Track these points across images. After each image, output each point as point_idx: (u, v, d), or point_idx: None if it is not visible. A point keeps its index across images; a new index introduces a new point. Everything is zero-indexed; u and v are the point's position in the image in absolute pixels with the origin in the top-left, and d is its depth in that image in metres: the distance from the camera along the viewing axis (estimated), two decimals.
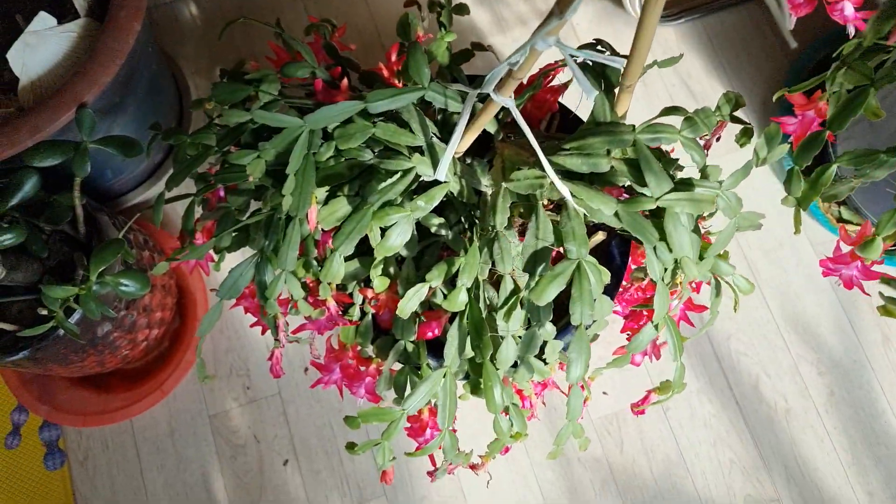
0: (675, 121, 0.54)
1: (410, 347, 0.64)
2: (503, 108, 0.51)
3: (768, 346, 0.97)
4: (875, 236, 0.49)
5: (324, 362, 0.72)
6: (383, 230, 0.56)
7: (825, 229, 1.01)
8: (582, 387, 0.59)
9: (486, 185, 0.65)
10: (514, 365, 0.60)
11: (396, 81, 0.68)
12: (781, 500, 0.92)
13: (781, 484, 0.92)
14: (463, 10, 0.69)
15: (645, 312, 0.68)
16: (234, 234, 0.63)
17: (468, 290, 0.56)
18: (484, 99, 0.52)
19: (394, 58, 0.66)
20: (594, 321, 0.61)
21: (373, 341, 0.68)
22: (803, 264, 1.00)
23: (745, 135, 0.60)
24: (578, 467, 0.92)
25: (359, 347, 0.68)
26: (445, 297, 0.56)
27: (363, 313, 0.67)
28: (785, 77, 1.06)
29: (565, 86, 0.68)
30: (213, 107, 0.58)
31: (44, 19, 0.64)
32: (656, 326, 0.59)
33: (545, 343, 0.61)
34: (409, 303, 0.57)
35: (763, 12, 1.08)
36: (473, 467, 0.71)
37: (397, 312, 0.57)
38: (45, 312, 0.65)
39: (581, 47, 0.51)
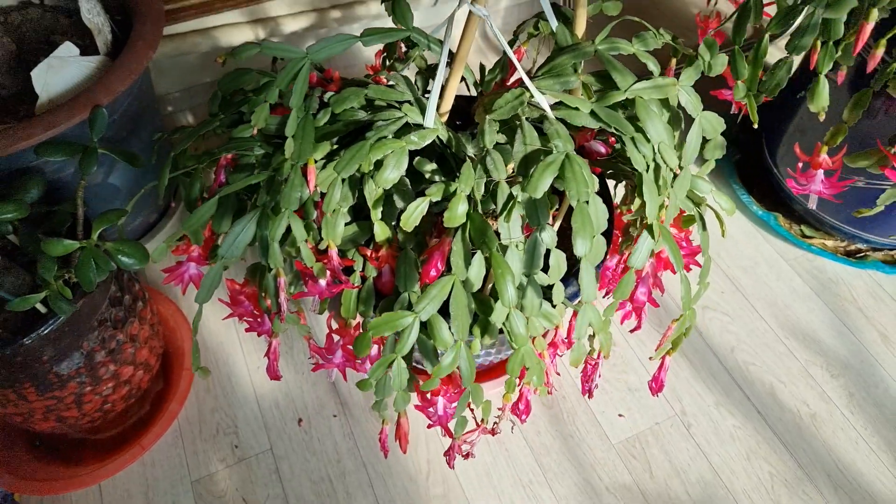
0: None
1: (415, 298, 0.63)
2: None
3: (773, 354, 0.96)
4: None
5: (324, 347, 0.70)
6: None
7: (793, 245, 1.06)
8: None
9: (472, 152, 0.70)
10: (522, 292, 0.60)
11: None
12: None
13: (829, 493, 0.84)
14: None
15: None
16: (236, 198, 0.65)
17: (468, 198, 0.58)
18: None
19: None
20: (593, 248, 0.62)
21: (374, 307, 0.66)
22: (783, 278, 1.03)
23: (690, 63, 0.68)
24: (609, 499, 0.83)
25: (360, 319, 0.67)
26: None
27: (363, 279, 0.67)
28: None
29: None
30: (224, 59, 0.64)
31: (68, 48, 0.72)
32: (650, 229, 0.60)
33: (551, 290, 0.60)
34: (412, 217, 0.58)
35: None
36: (493, 432, 0.65)
37: (402, 225, 0.58)
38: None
39: None
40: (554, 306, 0.64)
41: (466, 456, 0.67)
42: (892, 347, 0.97)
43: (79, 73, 0.72)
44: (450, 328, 0.58)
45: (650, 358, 0.71)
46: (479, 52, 1.34)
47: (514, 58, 0.58)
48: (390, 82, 0.68)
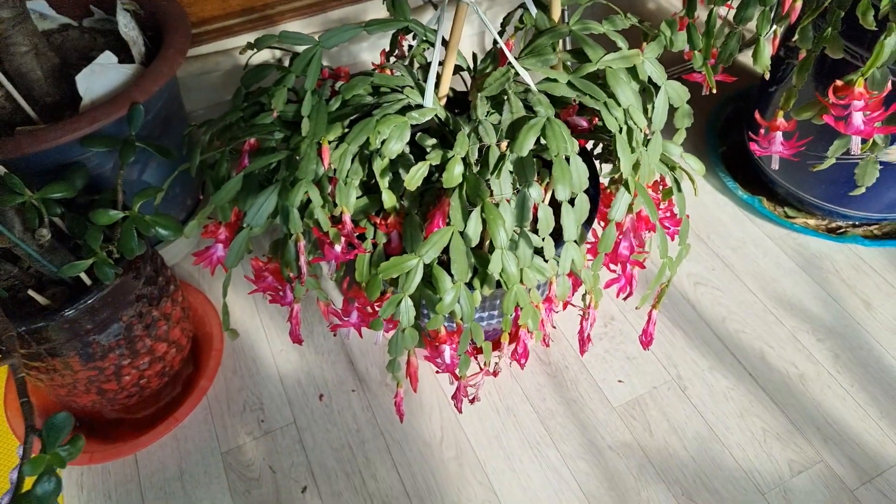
0: None
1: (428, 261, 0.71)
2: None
3: (762, 323, 1.01)
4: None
5: (341, 310, 0.77)
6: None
7: (778, 225, 1.13)
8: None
9: (467, 130, 0.78)
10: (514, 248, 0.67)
11: None
12: (825, 460, 0.88)
13: (820, 444, 0.89)
14: None
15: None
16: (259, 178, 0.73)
17: (463, 161, 0.66)
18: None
19: None
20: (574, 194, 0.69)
21: None
22: (770, 255, 1.10)
23: (654, 39, 0.76)
24: (611, 455, 0.88)
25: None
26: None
27: (374, 246, 0.74)
28: (705, 124, 1.27)
29: None
30: (245, 50, 0.73)
31: (108, 56, 0.82)
32: (626, 184, 0.68)
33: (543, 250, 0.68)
34: (415, 177, 0.66)
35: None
36: (495, 373, 0.71)
37: (406, 185, 0.66)
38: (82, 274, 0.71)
39: None
40: (546, 261, 0.71)
41: (473, 400, 0.73)
42: (874, 313, 1.02)
43: (117, 77, 0.82)
44: (451, 275, 0.65)
45: (637, 307, 0.77)
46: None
47: (497, 37, 0.67)
48: (394, 72, 0.76)
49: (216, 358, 0.95)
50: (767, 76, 0.67)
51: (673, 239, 0.81)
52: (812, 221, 1.13)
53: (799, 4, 0.61)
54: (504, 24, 0.80)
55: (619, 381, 0.95)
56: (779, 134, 0.74)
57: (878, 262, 1.08)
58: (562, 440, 0.90)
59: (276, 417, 0.93)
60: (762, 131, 0.76)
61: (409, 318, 0.64)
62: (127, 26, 0.86)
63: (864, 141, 0.64)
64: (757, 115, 0.75)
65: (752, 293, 1.05)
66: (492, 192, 0.66)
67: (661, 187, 0.82)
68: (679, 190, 0.76)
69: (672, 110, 0.73)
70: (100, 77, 0.81)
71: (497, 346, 0.96)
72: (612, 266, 0.78)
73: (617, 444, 0.89)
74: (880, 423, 0.91)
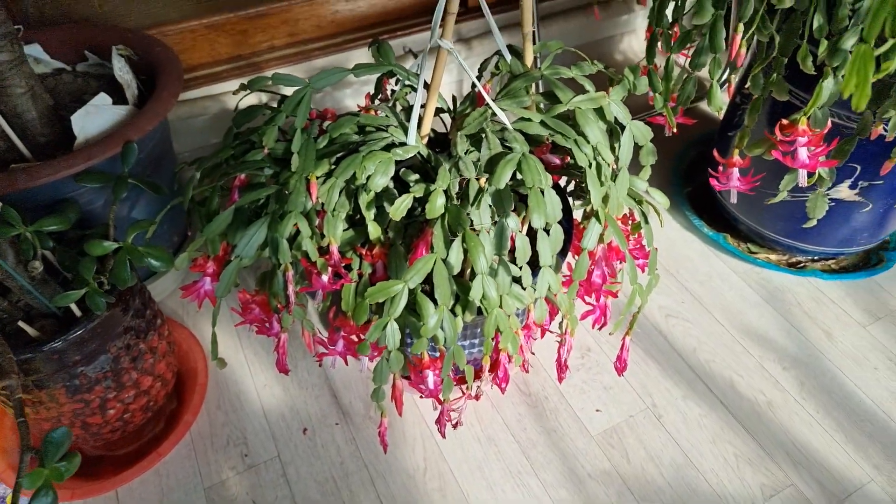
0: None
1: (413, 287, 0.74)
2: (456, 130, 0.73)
3: (730, 353, 1.06)
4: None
5: (327, 339, 0.79)
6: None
7: (742, 260, 1.19)
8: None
9: (448, 165, 0.83)
10: (493, 276, 0.71)
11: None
12: (795, 483, 0.91)
13: (790, 469, 0.92)
14: None
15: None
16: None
17: (444, 192, 0.70)
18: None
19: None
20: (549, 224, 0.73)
21: None
22: (735, 288, 1.15)
23: (619, 84, 0.82)
24: (591, 483, 0.90)
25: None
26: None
27: (360, 276, 0.77)
28: (671, 167, 1.34)
29: None
30: (238, 91, 0.77)
31: (103, 97, 0.86)
32: (596, 215, 0.72)
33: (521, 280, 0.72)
34: (399, 209, 0.70)
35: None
36: (477, 397, 0.74)
37: (391, 215, 0.69)
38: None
39: None
40: (524, 289, 0.75)
41: (456, 425, 0.75)
42: (835, 343, 1.07)
43: (111, 118, 0.85)
44: (434, 301, 0.68)
45: (610, 333, 0.81)
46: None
47: (475, 80, 0.72)
48: (379, 112, 0.81)
49: (200, 393, 0.96)
50: (722, 115, 0.74)
51: (644, 270, 0.86)
52: (774, 256, 1.19)
53: (743, 51, 0.68)
54: (481, 70, 0.86)
55: (597, 411, 0.98)
56: (735, 170, 0.80)
57: (836, 295, 1.14)
58: (543, 469, 0.92)
59: (259, 452, 0.93)
60: (721, 168, 0.82)
61: (394, 341, 0.66)
62: (122, 70, 0.90)
63: (810, 174, 0.70)
64: (715, 153, 0.81)
65: (720, 324, 1.10)
66: (472, 222, 0.70)
67: (630, 221, 0.87)
68: (647, 222, 0.81)
69: (637, 148, 0.79)
70: (94, 117, 0.84)
71: (479, 375, 0.98)
72: (587, 299, 0.82)
73: (596, 472, 0.92)
74: (846, 447, 0.95)
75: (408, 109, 0.91)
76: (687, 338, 1.08)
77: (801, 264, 1.18)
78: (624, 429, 0.96)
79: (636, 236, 0.88)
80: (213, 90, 1.22)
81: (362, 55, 1.34)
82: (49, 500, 0.47)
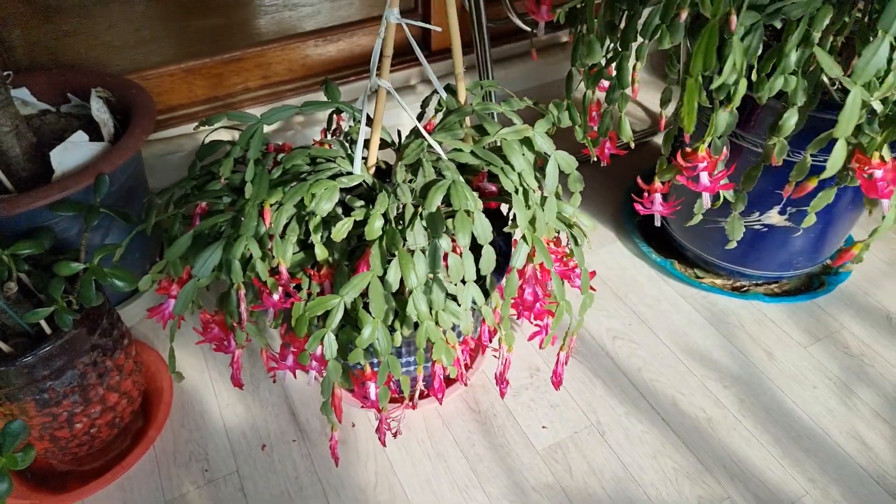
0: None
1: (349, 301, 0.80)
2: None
3: (674, 372, 1.11)
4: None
5: (278, 354, 0.85)
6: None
7: (689, 285, 1.25)
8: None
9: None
10: (428, 289, 0.77)
11: None
12: (732, 496, 0.95)
13: (727, 482, 0.96)
14: None
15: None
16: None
17: (383, 216, 0.77)
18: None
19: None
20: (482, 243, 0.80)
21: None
22: (682, 311, 1.21)
23: (545, 118, 0.90)
24: (535, 496, 0.95)
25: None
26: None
27: (309, 295, 0.84)
28: (622, 197, 1.42)
29: None
30: (198, 127, 0.85)
31: (80, 135, 0.94)
32: (524, 238, 0.79)
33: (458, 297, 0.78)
34: (341, 230, 0.77)
35: (596, 169, 1.49)
36: (413, 406, 0.79)
37: (333, 236, 0.76)
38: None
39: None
40: (460, 306, 0.81)
41: (395, 434, 0.80)
42: (776, 363, 1.13)
43: (87, 153, 0.93)
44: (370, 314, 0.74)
45: (541, 347, 0.87)
46: None
47: (411, 115, 0.80)
48: (332, 146, 0.89)
49: (164, 410, 1.01)
50: (633, 145, 0.81)
51: (583, 292, 0.92)
52: (719, 281, 1.25)
53: (637, 86, 0.76)
54: (423, 106, 0.94)
55: (543, 427, 1.03)
56: (658, 195, 0.87)
57: (778, 317, 1.20)
58: (489, 483, 0.96)
59: (219, 467, 0.98)
60: (645, 194, 0.89)
61: (332, 350, 0.72)
62: (99, 110, 0.98)
63: (715, 198, 0.77)
64: (639, 179, 0.88)
65: (665, 346, 1.15)
66: (406, 241, 0.77)
67: (569, 248, 0.94)
68: (577, 244, 0.88)
69: (566, 176, 0.86)
70: (71, 153, 0.92)
71: (424, 394, 1.04)
72: (535, 321, 0.88)
73: (540, 485, 0.96)
74: (782, 461, 0.99)
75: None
76: (633, 358, 1.13)
77: (745, 288, 1.24)
78: (568, 444, 1.01)
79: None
80: (189, 129, 1.31)
81: (349, 90, 1.43)
82: (4, 487, 0.52)
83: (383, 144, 0.89)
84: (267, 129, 1.39)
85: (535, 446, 1.01)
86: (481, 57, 1.29)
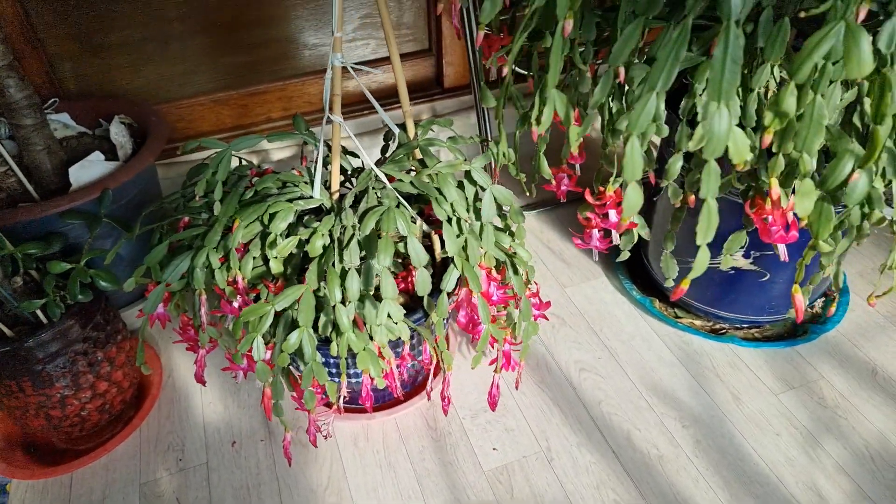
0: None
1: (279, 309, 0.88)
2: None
3: (634, 408, 1.12)
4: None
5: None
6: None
7: (666, 324, 1.26)
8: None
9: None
10: (361, 301, 0.85)
11: None
12: None
13: None
14: None
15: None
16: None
17: (329, 235, 0.85)
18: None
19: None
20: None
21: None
22: (654, 349, 1.22)
23: (483, 154, 0.95)
24: None
25: None
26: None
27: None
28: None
29: None
30: (181, 151, 0.97)
31: (97, 154, 1.08)
32: (453, 261, 0.85)
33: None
34: (285, 247, 0.86)
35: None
36: (339, 410, 0.86)
37: (276, 252, 0.85)
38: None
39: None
40: (396, 323, 0.88)
41: (326, 437, 0.87)
42: (741, 406, 1.12)
43: (101, 171, 1.07)
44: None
45: (472, 367, 0.92)
46: None
47: (361, 151, 0.88)
48: (302, 173, 0.99)
49: (151, 402, 1.12)
50: (554, 183, 0.86)
51: (536, 319, 0.97)
52: (698, 322, 1.25)
53: (538, 129, 0.81)
54: (386, 139, 1.02)
55: (494, 449, 1.07)
56: (595, 231, 0.91)
57: (754, 362, 1.19)
58: (432, 496, 1.01)
59: (192, 458, 1.08)
60: (585, 231, 0.93)
61: (259, 353, 0.81)
62: (117, 134, 1.13)
63: (628, 235, 0.81)
64: (578, 215, 0.92)
65: (630, 381, 1.16)
66: (342, 259, 0.84)
67: (531, 285, 0.99)
68: (516, 273, 0.93)
69: (508, 210, 0.91)
70: (88, 170, 1.06)
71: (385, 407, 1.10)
72: (498, 346, 0.93)
73: (479, 503, 1.00)
74: None
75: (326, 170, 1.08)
76: (595, 391, 1.15)
77: (723, 331, 1.23)
78: (515, 467, 1.04)
79: (535, 288, 1.00)
80: (204, 154, 1.45)
81: (351, 125, 1.55)
82: None
83: (342, 171, 0.98)
84: (280, 155, 1.52)
85: (483, 466, 1.05)
86: (478, 97, 1.37)
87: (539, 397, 1.15)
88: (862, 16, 0.48)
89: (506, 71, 0.72)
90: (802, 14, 0.50)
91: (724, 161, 0.54)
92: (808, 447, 1.06)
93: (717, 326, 1.24)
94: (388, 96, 1.58)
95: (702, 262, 0.55)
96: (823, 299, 1.29)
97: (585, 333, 1.26)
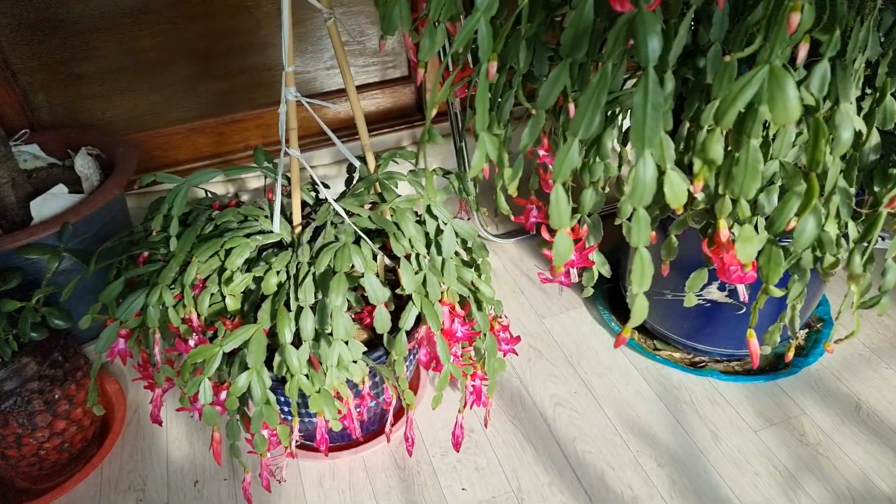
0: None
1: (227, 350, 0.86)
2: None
3: (609, 445, 1.09)
4: None
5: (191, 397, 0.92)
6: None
7: (645, 357, 1.23)
8: None
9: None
10: (317, 340, 0.82)
11: None
12: None
13: None
14: None
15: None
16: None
17: (278, 272, 0.83)
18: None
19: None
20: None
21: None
22: (632, 383, 1.19)
23: (445, 189, 0.94)
24: None
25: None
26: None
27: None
28: None
29: None
30: (138, 184, 0.95)
31: (60, 187, 1.07)
32: (411, 298, 0.83)
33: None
34: (238, 284, 0.84)
35: None
36: (292, 454, 0.83)
37: (230, 290, 0.83)
38: None
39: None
40: (355, 362, 0.85)
41: (280, 481, 0.84)
42: (720, 444, 1.08)
43: (64, 204, 1.06)
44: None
45: (433, 408, 0.89)
46: None
47: (319, 183, 0.86)
48: (263, 206, 0.97)
49: (112, 439, 1.10)
50: (513, 217, 0.84)
51: (505, 354, 0.95)
52: (677, 355, 1.22)
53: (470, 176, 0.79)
54: (349, 171, 1.00)
55: (463, 489, 1.03)
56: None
57: (734, 397, 1.15)
58: None
59: (153, 497, 1.05)
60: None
61: (206, 397, 0.78)
62: (82, 165, 1.12)
63: (587, 271, 0.78)
64: (545, 252, 0.90)
65: (606, 417, 1.13)
66: (297, 298, 0.82)
67: (501, 319, 0.96)
68: (480, 309, 0.90)
69: (472, 244, 0.89)
70: (50, 203, 1.05)
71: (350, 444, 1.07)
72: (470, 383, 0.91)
73: None
74: None
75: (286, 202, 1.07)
76: (570, 427, 1.12)
77: (703, 364, 1.20)
78: None
79: (499, 327, 0.97)
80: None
81: (325, 154, 1.54)
82: None
83: (303, 205, 0.96)
84: (257, 183, 1.51)
85: None
86: (454, 125, 1.35)
87: (512, 434, 1.11)
88: (802, 55, 0.46)
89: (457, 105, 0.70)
90: (727, 57, 0.48)
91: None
92: (788, 488, 1.02)
93: (697, 359, 1.21)
94: (367, 124, 1.57)
95: (640, 311, 0.53)
96: (807, 331, 1.26)
97: (562, 366, 1.23)
